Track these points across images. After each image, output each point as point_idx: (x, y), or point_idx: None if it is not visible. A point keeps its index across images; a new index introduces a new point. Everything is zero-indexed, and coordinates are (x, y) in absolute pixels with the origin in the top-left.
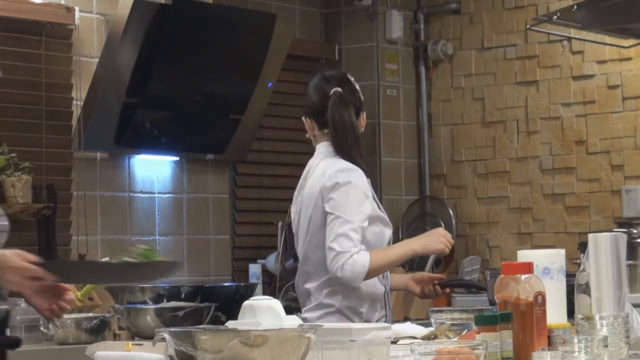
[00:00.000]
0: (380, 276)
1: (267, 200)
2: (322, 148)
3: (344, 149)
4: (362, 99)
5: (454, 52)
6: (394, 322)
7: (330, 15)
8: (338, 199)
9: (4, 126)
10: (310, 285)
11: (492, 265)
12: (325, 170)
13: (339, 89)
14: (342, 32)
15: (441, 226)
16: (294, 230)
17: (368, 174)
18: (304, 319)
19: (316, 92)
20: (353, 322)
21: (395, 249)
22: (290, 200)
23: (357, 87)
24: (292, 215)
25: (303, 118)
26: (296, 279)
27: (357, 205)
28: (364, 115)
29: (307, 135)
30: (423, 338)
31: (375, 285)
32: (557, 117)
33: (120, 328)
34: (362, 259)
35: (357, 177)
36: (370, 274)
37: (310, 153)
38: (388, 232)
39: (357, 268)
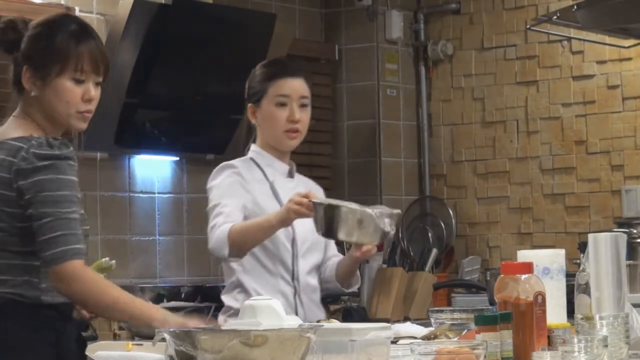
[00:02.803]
0: (289, 277)
1: None
2: None
3: None
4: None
5: (454, 52)
6: (394, 322)
7: (330, 15)
8: None
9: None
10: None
11: (492, 265)
12: None
13: None
14: (342, 32)
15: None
16: None
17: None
18: None
19: None
20: None
21: (256, 219)
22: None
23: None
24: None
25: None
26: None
27: None
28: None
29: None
30: (423, 338)
31: (274, 284)
32: (557, 117)
33: (120, 328)
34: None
35: None
36: (234, 243)
37: (310, 153)
38: None
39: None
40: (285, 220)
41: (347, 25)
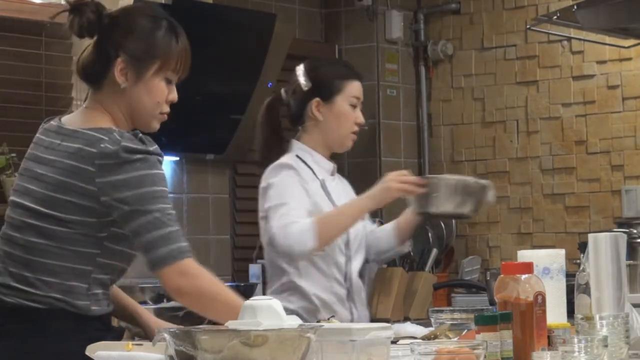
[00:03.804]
0: (342, 279)
1: None
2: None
3: None
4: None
5: (454, 52)
6: (394, 322)
7: (330, 15)
8: None
9: (4, 126)
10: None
11: (492, 265)
12: None
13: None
14: (342, 32)
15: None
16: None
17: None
18: None
19: None
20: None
21: (343, 208)
22: None
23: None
24: None
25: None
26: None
27: None
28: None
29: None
30: (423, 338)
31: (328, 287)
32: (557, 117)
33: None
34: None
35: None
36: (322, 236)
37: None
38: None
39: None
40: (383, 200)
41: (347, 25)
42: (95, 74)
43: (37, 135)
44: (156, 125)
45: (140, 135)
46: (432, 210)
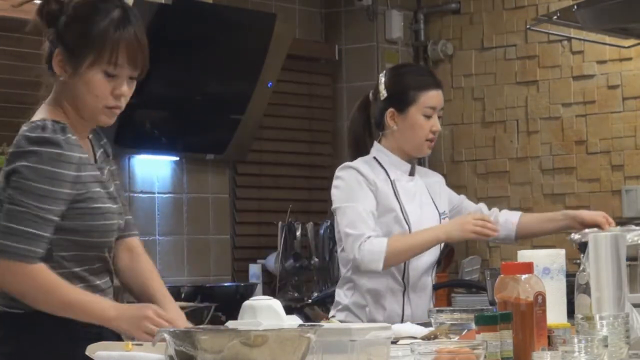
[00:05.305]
0: (399, 276)
1: (267, 200)
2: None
3: None
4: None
5: (454, 52)
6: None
7: (330, 15)
8: None
9: (4, 126)
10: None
11: (492, 265)
12: None
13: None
14: (342, 32)
15: None
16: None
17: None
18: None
19: None
20: (359, 318)
21: (417, 235)
22: (290, 200)
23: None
24: None
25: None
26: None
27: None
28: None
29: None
30: (423, 338)
31: (384, 282)
32: (557, 117)
33: None
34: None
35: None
36: (390, 259)
37: (310, 153)
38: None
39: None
40: (456, 237)
41: (347, 25)
42: (49, 65)
43: None
44: (106, 120)
45: (49, 122)
46: None
